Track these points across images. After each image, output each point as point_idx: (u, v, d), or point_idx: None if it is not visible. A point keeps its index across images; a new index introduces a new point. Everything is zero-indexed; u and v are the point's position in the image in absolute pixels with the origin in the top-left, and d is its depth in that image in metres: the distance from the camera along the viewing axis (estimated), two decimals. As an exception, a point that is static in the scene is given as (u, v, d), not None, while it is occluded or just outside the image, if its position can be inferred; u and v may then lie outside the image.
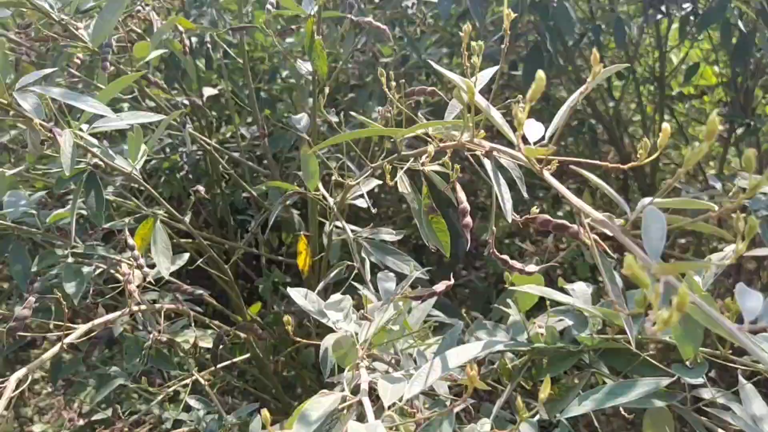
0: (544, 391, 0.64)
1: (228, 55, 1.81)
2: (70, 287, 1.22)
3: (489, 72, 0.84)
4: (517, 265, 0.92)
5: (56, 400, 2.59)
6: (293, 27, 1.63)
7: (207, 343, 1.32)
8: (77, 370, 1.63)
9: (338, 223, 1.26)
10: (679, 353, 0.77)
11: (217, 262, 1.40)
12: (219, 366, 1.30)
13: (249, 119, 2.16)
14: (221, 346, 1.23)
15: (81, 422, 2.02)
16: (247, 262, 2.16)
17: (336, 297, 0.95)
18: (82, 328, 0.96)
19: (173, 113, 1.12)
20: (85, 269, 1.30)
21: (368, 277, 1.10)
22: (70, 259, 1.27)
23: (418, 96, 1.04)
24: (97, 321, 1.00)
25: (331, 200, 1.19)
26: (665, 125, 0.59)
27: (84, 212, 1.18)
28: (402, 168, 1.02)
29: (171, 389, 1.24)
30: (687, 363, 0.83)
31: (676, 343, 0.77)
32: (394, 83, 0.96)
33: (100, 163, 1.05)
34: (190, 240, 1.70)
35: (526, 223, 0.84)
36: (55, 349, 0.91)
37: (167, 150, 1.97)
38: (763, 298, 0.50)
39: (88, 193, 1.07)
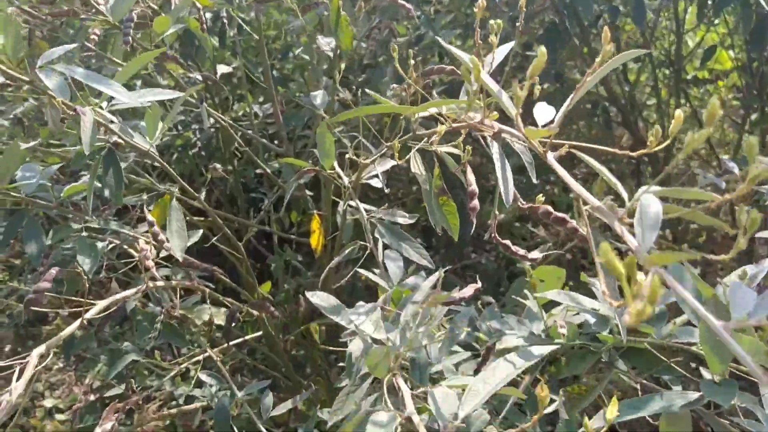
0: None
1: (242, 32, 1.80)
2: (84, 262, 1.22)
3: (503, 50, 0.83)
4: (520, 251, 0.91)
5: (67, 376, 2.61)
6: (317, 1, 1.61)
7: (219, 320, 1.32)
8: (88, 346, 1.64)
9: (352, 203, 1.26)
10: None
11: (230, 239, 1.40)
12: (231, 343, 1.30)
13: (261, 98, 2.15)
14: (233, 323, 1.23)
15: (92, 397, 2.03)
16: (258, 241, 2.16)
17: (363, 306, 0.93)
18: (100, 304, 0.96)
19: (190, 89, 1.12)
20: (99, 244, 1.30)
21: (381, 257, 1.09)
22: (84, 234, 1.27)
23: (436, 75, 1.03)
24: (115, 297, 1.00)
25: (345, 179, 1.18)
26: (678, 112, 0.58)
27: (98, 188, 1.17)
28: (415, 148, 1.01)
29: (183, 365, 1.25)
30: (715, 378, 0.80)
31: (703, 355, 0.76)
32: (412, 61, 0.95)
33: (120, 141, 1.05)
34: (202, 218, 1.70)
35: (530, 210, 0.83)
36: (75, 324, 0.91)
37: (180, 127, 1.97)
38: (755, 295, 0.49)
39: (107, 171, 1.06)
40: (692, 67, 2.73)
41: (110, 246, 1.32)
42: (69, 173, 1.48)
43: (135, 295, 1.05)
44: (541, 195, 0.81)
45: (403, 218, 1.20)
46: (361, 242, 1.20)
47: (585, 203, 0.58)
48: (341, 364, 1.21)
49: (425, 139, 0.98)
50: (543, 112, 0.72)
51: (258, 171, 1.91)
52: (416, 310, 0.85)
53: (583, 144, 0.66)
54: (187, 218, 1.41)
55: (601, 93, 2.43)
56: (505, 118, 0.87)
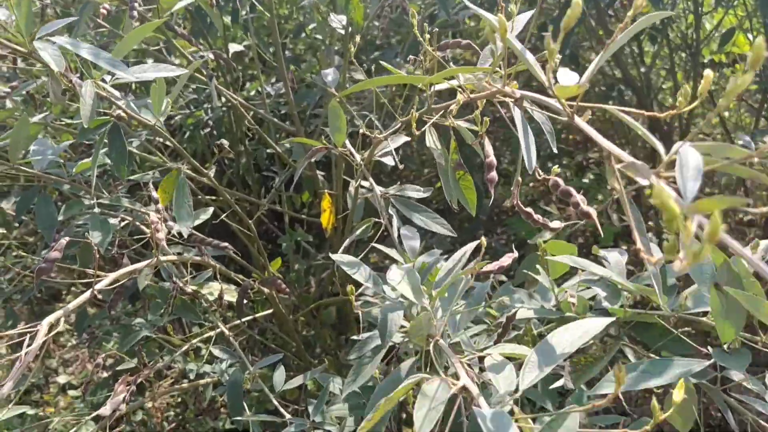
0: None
1: (254, 10, 1.79)
2: (96, 236, 1.22)
3: (524, 17, 0.81)
4: (541, 219, 0.90)
5: (80, 353, 2.64)
6: None
7: (231, 297, 1.32)
8: (101, 323, 1.65)
9: (364, 183, 1.25)
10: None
11: (241, 218, 1.40)
12: (242, 320, 1.30)
13: (273, 78, 2.14)
14: (245, 300, 1.23)
15: (105, 374, 2.05)
16: (269, 222, 2.17)
17: (396, 269, 0.91)
18: (111, 275, 0.96)
19: (195, 63, 1.11)
20: (111, 220, 1.30)
21: (396, 233, 1.09)
22: (96, 210, 1.28)
23: (452, 48, 1.01)
24: (124, 269, 1.00)
25: (357, 156, 1.18)
26: (707, 72, 0.57)
27: (108, 164, 1.18)
28: (430, 122, 1.00)
29: (195, 341, 1.25)
30: (725, 347, 0.80)
31: (713, 325, 0.74)
32: (428, 35, 0.93)
33: (124, 115, 1.05)
34: (213, 198, 1.70)
35: (543, 181, 0.82)
36: (86, 295, 0.91)
37: (191, 106, 1.97)
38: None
39: (111, 145, 1.06)
40: (709, 51, 2.69)
41: (122, 223, 1.33)
42: (80, 150, 1.48)
43: (143, 272, 1.05)
44: (557, 167, 0.80)
45: (416, 192, 1.19)
46: (376, 220, 1.20)
47: (618, 161, 0.56)
48: (360, 335, 1.21)
49: (441, 112, 0.97)
50: (567, 76, 0.70)
51: (269, 150, 1.91)
52: (457, 278, 0.84)
53: (612, 107, 0.64)
54: (199, 197, 1.42)
55: (617, 75, 2.41)
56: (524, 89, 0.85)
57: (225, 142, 1.37)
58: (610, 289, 0.88)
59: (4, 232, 1.72)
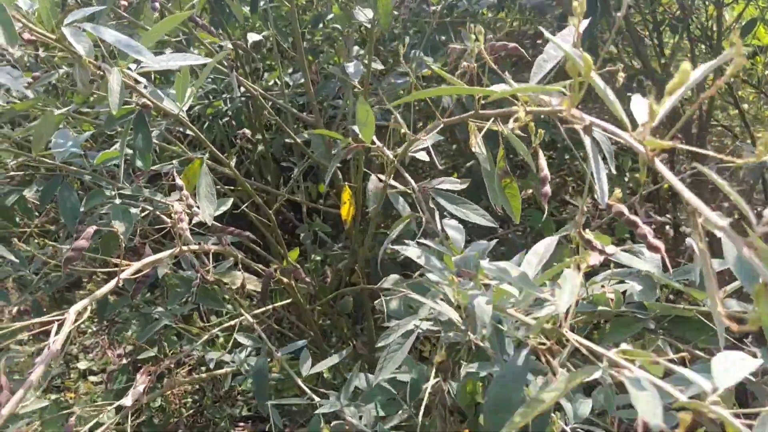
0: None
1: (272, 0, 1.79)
2: (119, 225, 1.24)
3: (582, 25, 0.77)
4: (646, 230, 0.84)
5: (101, 339, 2.67)
6: None
7: (252, 286, 1.33)
8: (121, 311, 1.67)
9: (382, 175, 1.25)
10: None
11: (260, 206, 1.41)
12: (262, 309, 1.31)
13: (291, 69, 2.15)
14: (269, 287, 1.24)
15: (124, 360, 2.08)
16: (287, 212, 2.18)
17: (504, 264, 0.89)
18: (135, 264, 0.97)
19: (220, 53, 1.12)
20: (133, 210, 1.31)
21: (439, 227, 1.08)
22: (117, 201, 1.29)
23: (498, 51, 1.00)
24: (147, 259, 1.01)
25: (389, 152, 1.17)
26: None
27: (130, 154, 1.19)
28: (482, 130, 0.98)
29: (216, 330, 1.27)
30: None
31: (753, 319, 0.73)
32: (473, 35, 0.91)
33: (149, 103, 1.05)
34: (233, 188, 1.71)
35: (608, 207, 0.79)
36: (111, 284, 0.93)
37: (211, 96, 1.97)
38: None
39: (137, 134, 1.07)
40: (728, 43, 2.66)
41: (143, 213, 1.34)
42: (101, 141, 1.49)
43: (168, 258, 1.06)
44: (618, 191, 0.77)
45: (454, 184, 1.19)
46: (416, 215, 1.19)
47: (701, 216, 0.53)
48: (386, 321, 1.21)
49: (492, 120, 0.94)
50: (639, 106, 0.66)
51: (288, 140, 1.91)
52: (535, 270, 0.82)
53: (704, 168, 0.58)
54: (218, 187, 1.42)
55: (636, 66, 2.39)
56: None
57: (247, 132, 1.37)
58: (645, 283, 0.87)
59: (27, 221, 1.74)
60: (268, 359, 1.15)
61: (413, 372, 1.16)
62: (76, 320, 0.86)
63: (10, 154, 1.28)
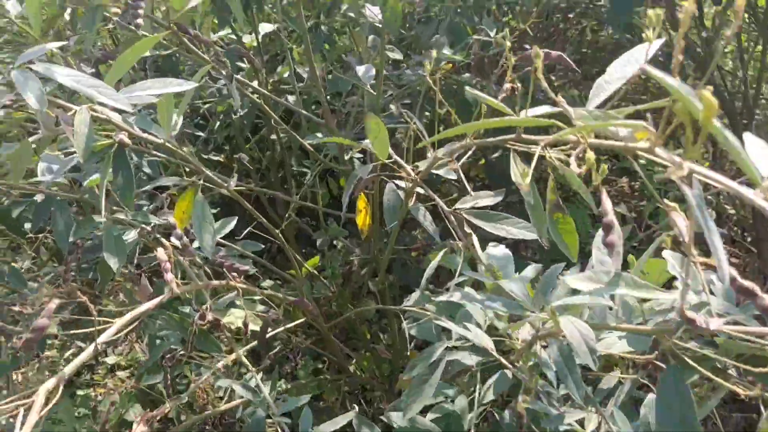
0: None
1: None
2: (110, 259, 1.15)
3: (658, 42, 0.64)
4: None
5: (129, 333, 2.63)
6: None
7: (255, 326, 1.23)
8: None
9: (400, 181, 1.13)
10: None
11: (268, 228, 1.31)
12: (267, 354, 1.22)
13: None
14: (269, 332, 1.14)
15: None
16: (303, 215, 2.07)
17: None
18: (117, 323, 0.88)
19: (202, 69, 1.00)
20: (127, 236, 1.23)
21: (480, 252, 0.96)
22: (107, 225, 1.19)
23: (540, 62, 0.84)
24: (132, 314, 0.92)
25: (408, 168, 1.04)
26: None
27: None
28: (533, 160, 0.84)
29: (219, 365, 1.18)
30: None
31: None
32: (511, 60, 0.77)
33: (127, 141, 0.94)
34: (245, 185, 1.60)
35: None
36: (90, 350, 0.84)
37: (223, 92, 1.86)
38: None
39: (116, 172, 0.97)
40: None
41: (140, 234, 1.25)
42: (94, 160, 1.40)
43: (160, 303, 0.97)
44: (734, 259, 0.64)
45: (490, 198, 1.05)
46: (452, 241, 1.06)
47: None
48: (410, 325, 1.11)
49: (540, 146, 0.79)
50: (758, 151, 0.53)
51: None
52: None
53: None
54: (227, 192, 1.31)
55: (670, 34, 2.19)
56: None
57: (244, 157, 1.26)
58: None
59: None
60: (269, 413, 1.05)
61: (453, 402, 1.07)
62: (47, 401, 0.77)
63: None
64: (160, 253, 0.93)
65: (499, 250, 0.90)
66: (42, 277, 1.46)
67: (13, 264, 1.39)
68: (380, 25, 1.33)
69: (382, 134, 0.99)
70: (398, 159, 1.03)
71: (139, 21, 1.03)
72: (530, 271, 0.87)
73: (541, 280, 0.78)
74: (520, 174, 0.80)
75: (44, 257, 1.83)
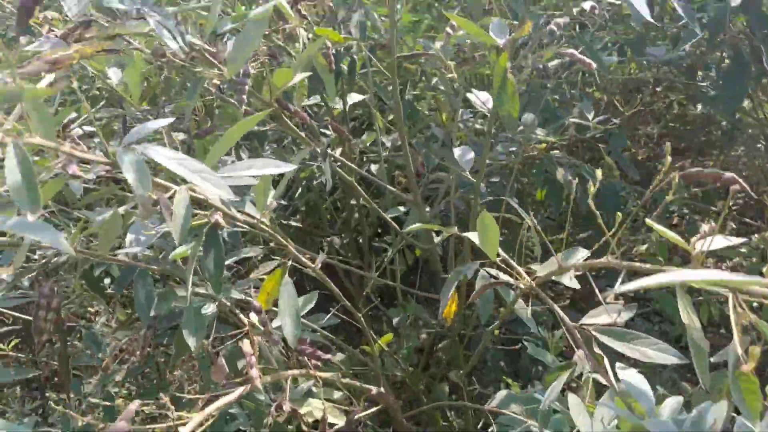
0: None
1: (373, 60, 1.63)
2: (189, 337, 1.11)
3: None
4: None
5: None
6: (475, 56, 1.43)
7: (334, 418, 1.16)
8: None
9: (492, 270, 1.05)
10: None
11: (348, 308, 1.25)
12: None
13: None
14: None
15: None
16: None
17: None
18: (195, 418, 0.83)
19: (300, 152, 0.97)
20: (207, 310, 1.19)
21: (612, 378, 0.84)
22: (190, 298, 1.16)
23: (695, 180, 0.75)
24: (215, 405, 0.86)
25: (522, 271, 0.95)
26: None
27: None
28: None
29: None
30: None
31: None
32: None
33: (222, 222, 0.91)
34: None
35: None
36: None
37: (307, 159, 1.84)
38: None
39: (207, 253, 0.93)
40: None
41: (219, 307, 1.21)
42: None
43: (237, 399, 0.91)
44: None
45: (628, 312, 0.93)
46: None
47: None
48: None
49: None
50: None
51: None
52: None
53: None
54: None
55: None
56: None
57: (336, 241, 1.22)
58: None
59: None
60: None
61: None
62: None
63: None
64: (246, 346, 0.88)
65: (634, 376, 0.79)
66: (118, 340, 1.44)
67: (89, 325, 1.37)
68: (487, 114, 1.28)
69: (493, 233, 0.93)
70: (508, 258, 0.95)
71: (244, 97, 1.01)
72: (671, 405, 0.76)
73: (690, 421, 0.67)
74: (690, 316, 0.70)
75: (120, 316, 1.82)
